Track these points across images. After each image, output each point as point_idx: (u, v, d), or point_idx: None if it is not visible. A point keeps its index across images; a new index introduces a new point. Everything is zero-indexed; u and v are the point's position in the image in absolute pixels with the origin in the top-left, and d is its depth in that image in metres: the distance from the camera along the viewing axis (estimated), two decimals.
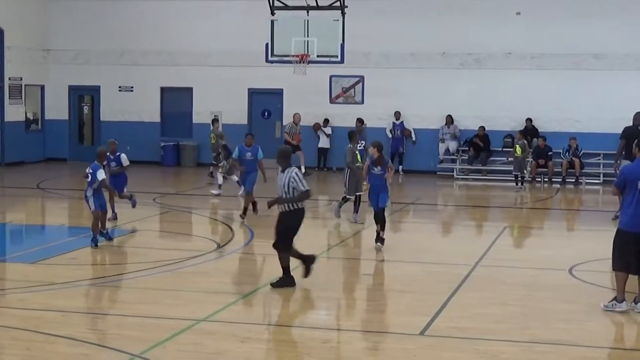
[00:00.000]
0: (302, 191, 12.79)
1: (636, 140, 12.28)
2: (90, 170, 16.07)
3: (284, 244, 13.01)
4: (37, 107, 33.29)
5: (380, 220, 16.17)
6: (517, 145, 26.63)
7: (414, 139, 30.50)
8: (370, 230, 18.31)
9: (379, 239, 16.16)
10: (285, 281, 12.95)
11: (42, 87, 33.22)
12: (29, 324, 10.88)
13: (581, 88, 29.05)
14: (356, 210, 19.41)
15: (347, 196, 19.25)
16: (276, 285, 12.88)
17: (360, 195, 19.19)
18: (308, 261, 13.25)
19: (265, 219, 21.12)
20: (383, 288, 13.48)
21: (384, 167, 16.34)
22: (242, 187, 20.96)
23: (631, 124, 22.45)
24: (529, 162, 27.65)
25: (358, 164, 18.97)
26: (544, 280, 14.23)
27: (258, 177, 19.95)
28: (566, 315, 11.72)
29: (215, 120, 27.72)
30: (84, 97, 33.75)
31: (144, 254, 15.49)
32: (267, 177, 19.45)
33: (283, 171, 12.96)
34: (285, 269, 13.04)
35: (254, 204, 19.89)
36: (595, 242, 18.19)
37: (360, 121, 29.66)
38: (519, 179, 26.77)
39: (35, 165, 31.45)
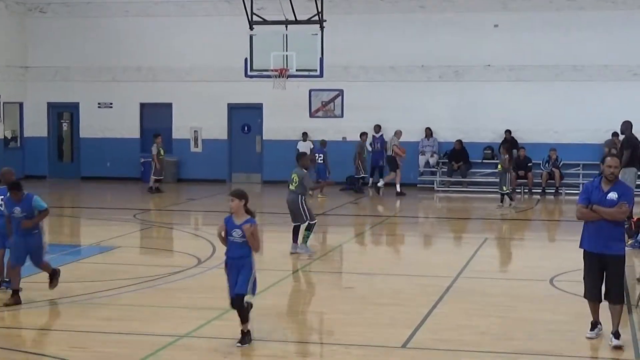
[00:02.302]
0: None
1: None
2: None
3: None
4: (16, 125, 33.14)
5: (237, 309, 10.85)
6: (499, 161, 25.57)
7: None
8: (352, 244, 18.32)
9: (242, 336, 10.87)
10: None
11: (21, 105, 33.08)
12: (9, 342, 10.81)
13: (560, 99, 29.18)
14: (296, 240, 17.17)
15: (311, 222, 17.14)
16: None
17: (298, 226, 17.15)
18: None
19: None
20: (365, 301, 13.45)
21: (246, 226, 10.68)
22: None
23: (619, 133, 22.67)
24: (507, 176, 25.59)
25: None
26: (525, 291, 14.27)
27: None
28: (549, 326, 11.74)
29: (156, 135, 28.80)
30: (63, 114, 33.64)
31: (125, 271, 15.41)
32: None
33: None
34: None
35: (52, 274, 13.56)
36: (576, 252, 18.16)
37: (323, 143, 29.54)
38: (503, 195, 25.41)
39: None
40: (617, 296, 10.82)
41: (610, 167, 10.74)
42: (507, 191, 25.24)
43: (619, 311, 10.84)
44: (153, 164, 28.40)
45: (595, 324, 11.11)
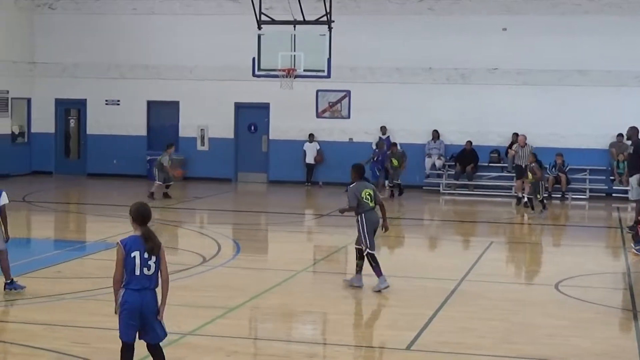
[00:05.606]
0: None
1: None
2: None
3: None
4: (23, 120, 33.19)
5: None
6: (528, 170, 24.50)
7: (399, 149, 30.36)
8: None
9: None
10: None
11: (29, 100, 33.14)
12: (13, 337, 10.84)
13: (566, 104, 29.14)
14: (380, 272, 14.05)
15: (370, 251, 14.05)
16: None
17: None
18: None
19: (254, 233, 21.14)
20: (369, 302, 13.46)
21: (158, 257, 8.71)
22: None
23: (624, 135, 22.70)
24: (541, 184, 24.47)
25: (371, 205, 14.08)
26: (529, 295, 14.26)
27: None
28: (551, 331, 11.73)
29: (169, 145, 26.98)
30: (71, 110, 33.67)
31: None
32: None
33: None
34: None
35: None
36: (582, 257, 18.26)
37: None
38: (537, 202, 24.39)
39: (22, 178, 31.33)
40: None
41: None
42: (540, 199, 24.22)
43: None
44: (161, 173, 26.31)
45: None
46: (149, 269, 8.56)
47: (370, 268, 13.99)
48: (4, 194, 13.15)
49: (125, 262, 8.51)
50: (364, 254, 14.08)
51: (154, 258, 8.60)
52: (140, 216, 8.72)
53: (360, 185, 14.17)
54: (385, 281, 13.96)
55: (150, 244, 8.57)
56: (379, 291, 13.86)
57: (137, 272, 8.51)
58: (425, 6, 30.19)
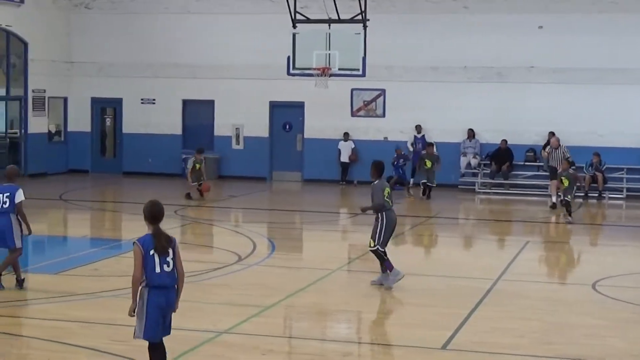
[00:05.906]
0: None
1: None
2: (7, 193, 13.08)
3: None
4: (60, 119, 33.43)
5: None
6: (563, 177, 23.29)
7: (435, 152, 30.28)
8: (392, 244, 18.22)
9: None
10: None
11: (65, 99, 33.36)
12: (50, 334, 10.92)
13: (603, 102, 28.87)
14: (391, 266, 14.18)
15: (380, 248, 14.06)
16: None
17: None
18: None
19: (289, 231, 21.16)
20: (404, 302, 13.43)
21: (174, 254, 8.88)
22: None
23: None
24: (575, 190, 23.69)
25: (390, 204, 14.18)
26: (566, 295, 14.17)
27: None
28: (589, 331, 11.65)
29: (199, 151, 26.53)
30: (106, 109, 33.85)
31: None
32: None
33: None
34: None
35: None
36: (619, 257, 18.12)
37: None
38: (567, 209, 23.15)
39: (58, 177, 31.57)
40: None
41: None
42: (569, 199, 22.89)
43: None
44: (192, 175, 25.98)
45: None
46: (168, 266, 8.67)
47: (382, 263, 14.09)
48: (20, 191, 13.31)
49: (145, 261, 8.60)
50: (373, 250, 14.08)
51: (171, 254, 8.67)
52: (152, 215, 8.80)
53: (383, 184, 14.29)
54: (398, 273, 14.02)
55: (157, 244, 8.64)
56: (391, 288, 13.90)
57: (158, 270, 8.62)
58: (460, 4, 30.06)
